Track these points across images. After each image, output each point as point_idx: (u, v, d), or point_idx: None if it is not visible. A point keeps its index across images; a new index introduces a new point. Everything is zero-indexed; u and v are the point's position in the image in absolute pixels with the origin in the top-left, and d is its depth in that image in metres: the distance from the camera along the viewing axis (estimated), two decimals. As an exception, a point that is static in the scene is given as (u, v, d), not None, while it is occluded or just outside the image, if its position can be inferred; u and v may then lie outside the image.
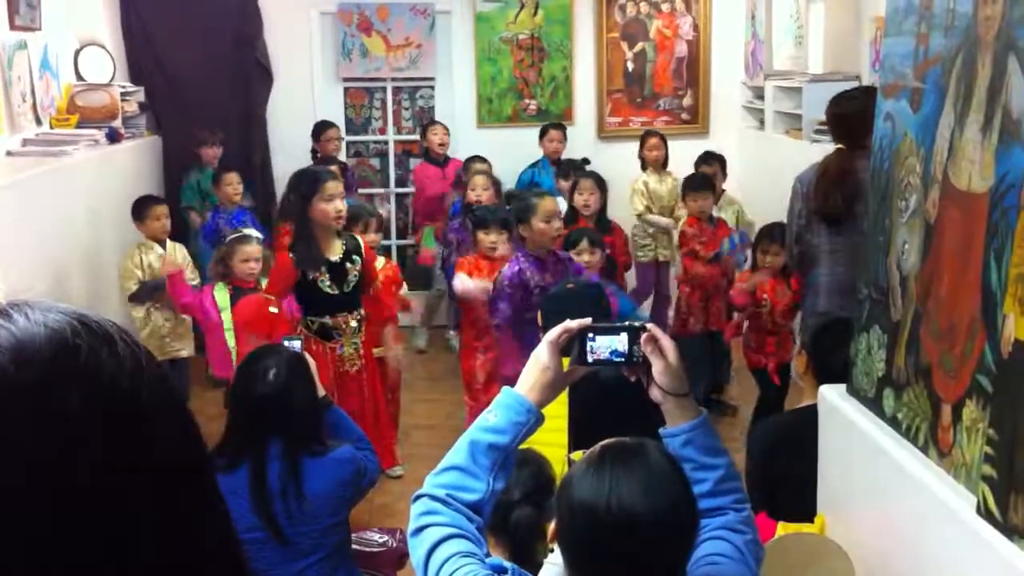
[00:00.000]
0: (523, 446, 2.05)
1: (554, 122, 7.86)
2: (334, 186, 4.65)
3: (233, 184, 6.79)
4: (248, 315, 4.78)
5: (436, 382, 6.85)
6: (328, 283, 4.67)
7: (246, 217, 6.73)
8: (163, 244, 6.07)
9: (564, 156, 7.64)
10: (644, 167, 7.40)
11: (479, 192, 6.46)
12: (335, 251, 4.70)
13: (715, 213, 6.53)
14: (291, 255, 4.68)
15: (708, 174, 6.71)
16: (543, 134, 7.67)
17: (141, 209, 6.20)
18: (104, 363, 0.82)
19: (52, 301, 0.86)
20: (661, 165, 7.35)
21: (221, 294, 5.48)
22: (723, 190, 6.95)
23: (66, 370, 0.80)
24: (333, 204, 4.61)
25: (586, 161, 7.38)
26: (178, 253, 6.11)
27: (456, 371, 6.27)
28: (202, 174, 7.31)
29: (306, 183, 4.64)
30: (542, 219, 4.77)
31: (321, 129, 7.60)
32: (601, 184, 6.37)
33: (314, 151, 7.56)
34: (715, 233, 6.26)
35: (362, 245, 4.85)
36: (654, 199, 7.22)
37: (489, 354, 5.24)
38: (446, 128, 7.78)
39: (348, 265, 4.72)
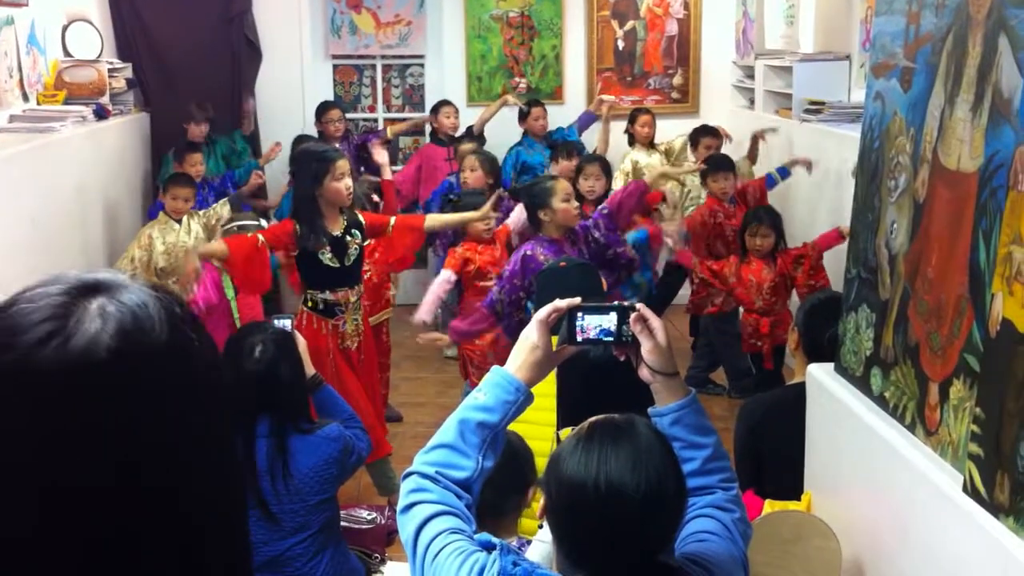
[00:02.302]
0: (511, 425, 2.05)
1: (535, 100, 7.80)
2: (344, 164, 4.71)
3: (196, 165, 6.77)
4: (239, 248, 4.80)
5: (424, 361, 6.84)
6: (330, 256, 4.71)
7: (206, 191, 6.74)
8: (180, 222, 6.01)
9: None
10: (631, 143, 7.39)
11: (466, 174, 6.38)
12: (338, 226, 4.75)
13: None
14: (296, 229, 4.71)
15: (726, 154, 6.69)
16: (527, 113, 7.60)
17: (167, 183, 6.26)
18: (196, 352, 0.89)
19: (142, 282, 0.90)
20: (649, 142, 7.35)
21: (227, 280, 5.48)
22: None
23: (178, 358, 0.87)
24: (344, 182, 4.67)
25: (580, 144, 7.27)
26: (194, 226, 6.06)
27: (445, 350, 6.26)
28: (230, 139, 7.39)
29: (316, 163, 4.67)
30: (562, 199, 4.76)
31: (322, 110, 7.53)
32: (607, 169, 6.27)
33: (320, 133, 7.49)
34: (735, 213, 6.22)
35: (362, 219, 4.85)
36: (647, 171, 7.21)
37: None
38: (456, 109, 7.69)
39: (348, 239, 4.75)
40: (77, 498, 0.80)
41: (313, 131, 7.60)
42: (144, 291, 0.87)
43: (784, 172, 6.35)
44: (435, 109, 7.75)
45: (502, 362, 2.04)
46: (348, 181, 4.69)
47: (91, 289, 0.86)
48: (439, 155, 7.43)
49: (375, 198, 6.13)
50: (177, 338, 0.86)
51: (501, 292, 4.73)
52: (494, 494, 2.57)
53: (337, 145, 7.17)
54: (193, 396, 0.87)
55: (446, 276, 5.38)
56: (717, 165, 6.35)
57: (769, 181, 6.40)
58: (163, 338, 0.85)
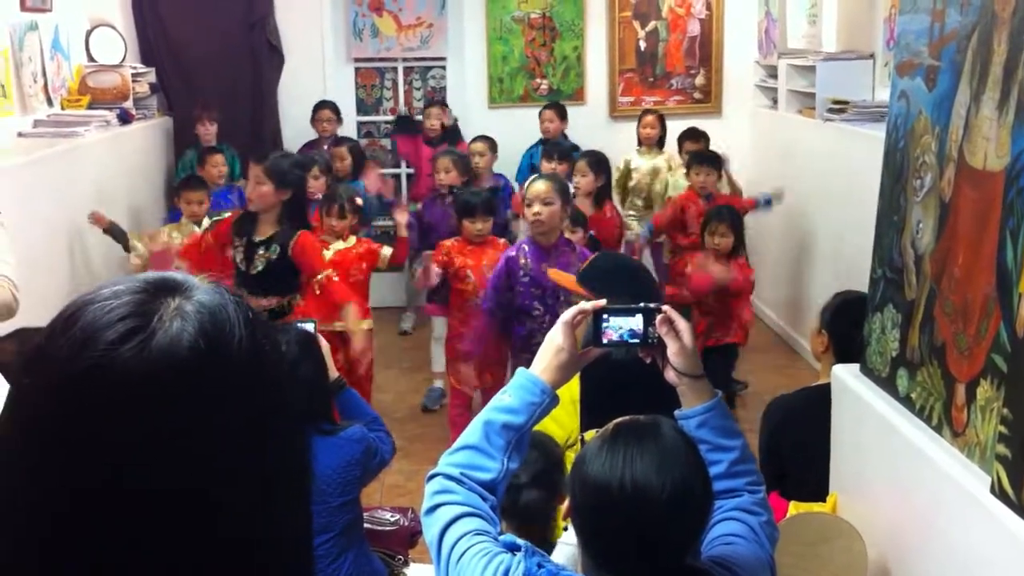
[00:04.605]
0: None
1: (550, 103, 7.77)
2: (252, 168, 4.76)
3: (218, 166, 6.80)
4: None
5: (422, 363, 6.75)
6: (240, 258, 4.78)
7: (233, 196, 6.74)
8: (200, 224, 6.05)
9: (571, 138, 7.55)
10: (640, 144, 7.38)
11: (441, 175, 6.33)
12: (264, 233, 4.76)
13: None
14: (234, 222, 4.87)
15: (717, 152, 6.74)
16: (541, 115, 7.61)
17: (179, 188, 6.32)
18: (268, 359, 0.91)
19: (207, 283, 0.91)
20: (655, 144, 7.32)
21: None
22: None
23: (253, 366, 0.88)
24: (250, 185, 4.76)
25: (575, 148, 7.18)
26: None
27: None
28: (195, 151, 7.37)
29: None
30: (527, 203, 4.68)
31: (315, 110, 7.59)
32: (598, 165, 6.25)
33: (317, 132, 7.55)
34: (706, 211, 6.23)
35: (295, 240, 4.75)
36: (631, 173, 7.20)
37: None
38: (443, 109, 7.62)
39: (260, 250, 4.75)
40: (138, 499, 0.80)
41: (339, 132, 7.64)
42: (219, 293, 0.87)
43: (768, 203, 6.47)
44: (424, 109, 7.79)
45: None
46: (250, 186, 4.74)
47: (165, 288, 0.86)
48: (425, 154, 7.38)
49: (358, 201, 6.16)
50: (253, 343, 0.86)
51: (489, 292, 4.72)
52: (542, 498, 2.60)
53: (326, 146, 7.23)
54: (261, 403, 0.87)
55: (434, 270, 5.32)
56: (701, 159, 6.42)
57: (756, 205, 6.43)
58: (242, 342, 0.85)
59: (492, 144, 7.03)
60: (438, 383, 6.20)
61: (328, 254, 5.37)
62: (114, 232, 5.63)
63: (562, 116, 7.54)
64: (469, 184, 6.23)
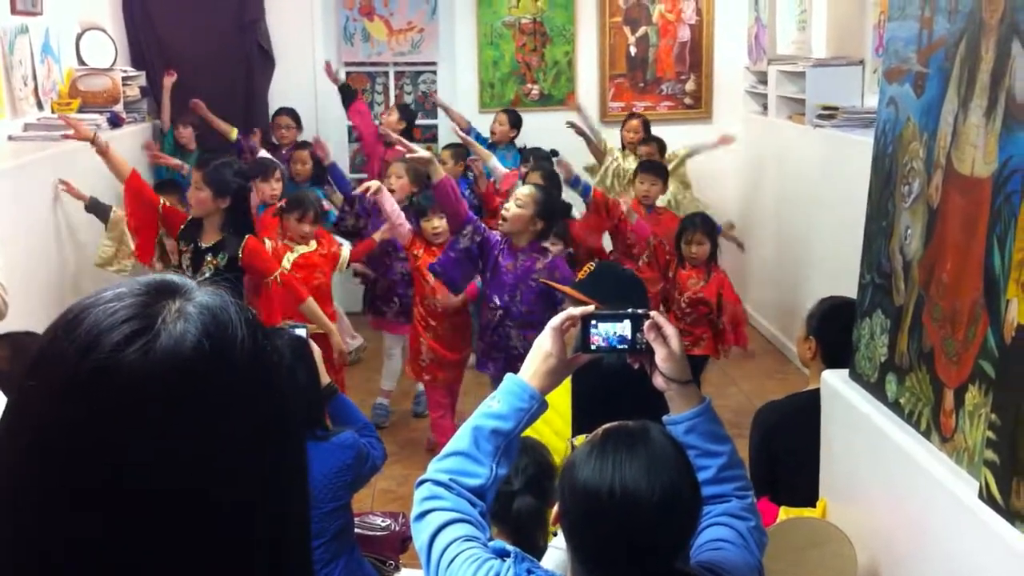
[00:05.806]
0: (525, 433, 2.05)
1: (505, 108, 7.73)
2: (193, 173, 4.85)
3: None
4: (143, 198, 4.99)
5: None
6: (187, 263, 4.79)
7: None
8: None
9: (554, 145, 7.49)
10: (624, 148, 7.37)
11: (391, 180, 6.27)
12: (210, 240, 4.77)
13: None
14: (184, 224, 4.86)
15: (654, 158, 6.75)
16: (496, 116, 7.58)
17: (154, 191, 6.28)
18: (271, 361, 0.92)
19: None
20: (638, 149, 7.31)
21: None
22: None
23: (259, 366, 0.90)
24: (190, 190, 4.84)
25: (554, 153, 6.99)
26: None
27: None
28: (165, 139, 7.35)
29: None
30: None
31: (273, 117, 7.55)
32: (550, 179, 6.05)
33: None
34: (652, 220, 6.14)
35: (244, 247, 4.76)
36: (619, 175, 7.19)
37: (440, 331, 5.33)
38: (397, 115, 7.46)
39: (208, 256, 4.75)
40: (138, 499, 0.81)
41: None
42: (219, 295, 0.89)
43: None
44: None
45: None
46: (192, 190, 4.79)
47: (167, 290, 0.87)
48: (380, 152, 7.30)
49: (326, 205, 6.16)
50: (255, 344, 0.87)
51: (473, 229, 4.75)
52: (535, 504, 2.62)
53: (284, 152, 7.20)
54: (263, 404, 0.88)
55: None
56: (647, 167, 6.38)
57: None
58: (244, 343, 0.86)
59: (458, 153, 6.97)
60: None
61: (292, 257, 5.37)
62: (96, 208, 5.60)
63: (513, 123, 7.48)
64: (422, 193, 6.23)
